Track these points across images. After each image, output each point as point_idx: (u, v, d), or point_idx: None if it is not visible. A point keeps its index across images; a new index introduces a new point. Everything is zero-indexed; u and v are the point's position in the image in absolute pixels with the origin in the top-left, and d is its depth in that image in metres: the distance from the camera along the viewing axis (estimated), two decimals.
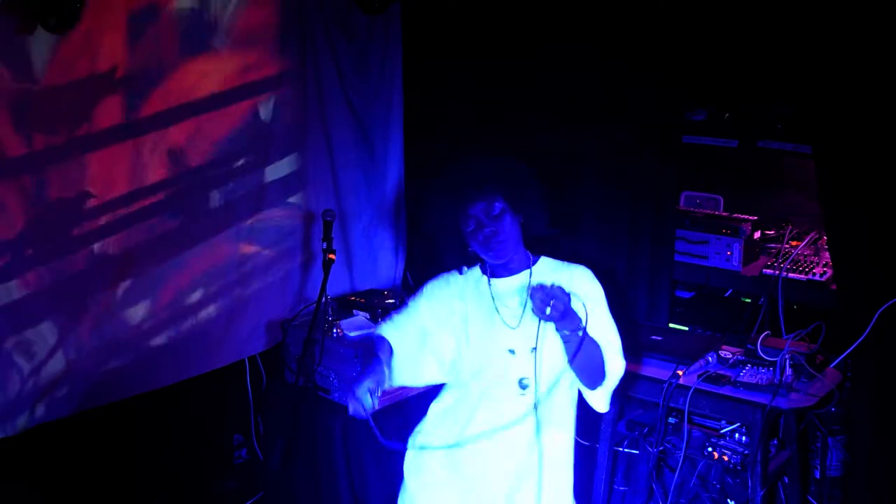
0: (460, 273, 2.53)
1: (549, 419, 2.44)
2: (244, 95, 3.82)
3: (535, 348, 2.34)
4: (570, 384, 2.49)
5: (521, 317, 2.40)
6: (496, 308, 2.44)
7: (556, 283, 2.16)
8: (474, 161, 2.41)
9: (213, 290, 3.83)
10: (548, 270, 2.47)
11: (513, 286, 2.45)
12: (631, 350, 3.26)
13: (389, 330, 2.54)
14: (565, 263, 2.52)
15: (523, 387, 2.39)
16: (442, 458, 2.49)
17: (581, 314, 2.24)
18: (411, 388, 3.10)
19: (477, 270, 2.52)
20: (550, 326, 2.28)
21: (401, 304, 2.65)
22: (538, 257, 2.52)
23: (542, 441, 2.43)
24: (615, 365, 2.44)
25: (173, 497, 3.82)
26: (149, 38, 3.41)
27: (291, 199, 4.08)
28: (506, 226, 2.35)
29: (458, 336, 2.46)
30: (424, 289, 2.56)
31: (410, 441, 2.60)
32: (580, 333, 2.23)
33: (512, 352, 2.38)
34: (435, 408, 2.59)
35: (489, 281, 2.47)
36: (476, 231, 2.35)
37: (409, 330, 2.51)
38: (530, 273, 2.47)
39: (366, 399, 2.22)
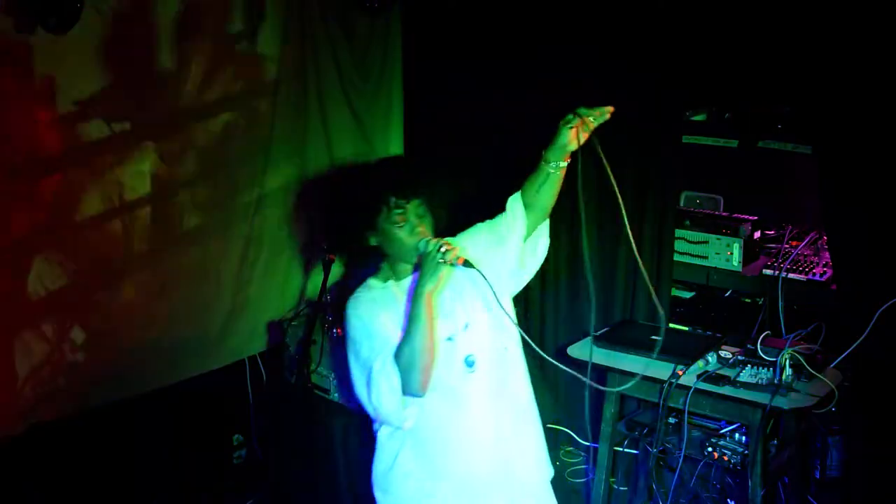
0: (367, 288, 2.46)
1: (509, 376, 2.43)
2: (244, 95, 3.82)
3: (467, 325, 2.37)
4: (512, 339, 2.47)
5: (443, 305, 2.37)
6: None
7: None
8: (412, 162, 2.43)
9: (214, 289, 3.83)
10: None
11: None
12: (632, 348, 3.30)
13: (390, 354, 2.33)
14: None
15: (469, 364, 2.37)
16: (420, 469, 2.40)
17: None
18: None
19: (376, 281, 2.47)
20: (473, 300, 2.37)
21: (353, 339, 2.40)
22: None
23: (504, 401, 2.41)
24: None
25: (173, 497, 3.82)
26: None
27: (291, 199, 4.08)
28: (429, 228, 2.38)
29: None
30: (358, 314, 2.39)
31: (377, 480, 2.47)
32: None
33: (450, 339, 2.36)
34: (384, 433, 2.45)
35: (397, 285, 2.44)
36: (402, 223, 2.34)
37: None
38: None
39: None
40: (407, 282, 2.43)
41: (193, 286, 3.74)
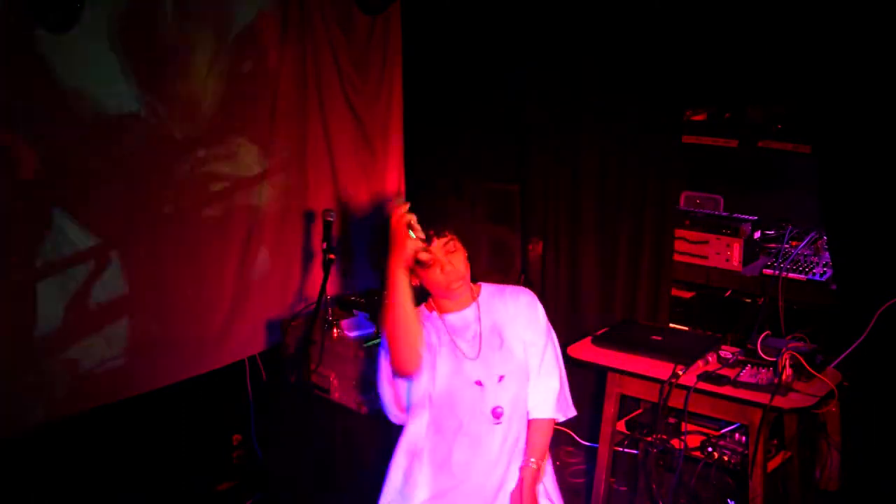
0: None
1: (518, 436, 2.46)
2: (244, 95, 3.82)
3: (502, 377, 2.38)
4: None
5: (479, 348, 2.40)
6: (454, 341, 2.41)
7: None
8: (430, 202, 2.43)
9: (214, 289, 3.83)
10: (491, 297, 2.47)
11: (465, 319, 2.44)
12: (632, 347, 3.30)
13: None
14: (504, 287, 2.51)
15: (497, 415, 2.38)
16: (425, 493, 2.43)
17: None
18: None
19: (423, 309, 2.47)
20: (512, 354, 2.39)
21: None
22: (477, 283, 2.49)
23: (518, 454, 2.46)
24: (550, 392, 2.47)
25: (173, 497, 3.82)
26: None
27: (292, 199, 4.08)
28: (460, 264, 2.34)
29: (427, 366, 2.37)
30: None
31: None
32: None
33: (481, 384, 2.38)
34: (397, 468, 2.48)
35: (440, 317, 2.44)
36: (429, 265, 2.32)
37: None
38: (477, 306, 2.44)
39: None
40: (449, 317, 2.43)
41: (193, 286, 3.74)
